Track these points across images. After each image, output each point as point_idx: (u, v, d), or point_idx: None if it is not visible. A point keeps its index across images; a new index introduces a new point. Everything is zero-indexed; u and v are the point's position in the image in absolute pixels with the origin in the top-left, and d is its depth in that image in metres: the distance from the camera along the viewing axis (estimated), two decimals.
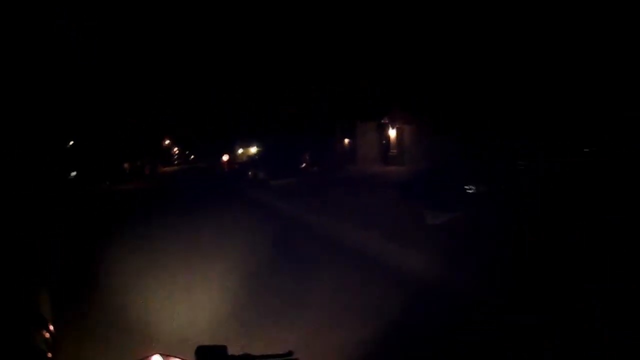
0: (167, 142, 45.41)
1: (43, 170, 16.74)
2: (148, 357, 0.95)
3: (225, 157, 32.30)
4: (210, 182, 23.45)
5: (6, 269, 3.50)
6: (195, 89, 32.77)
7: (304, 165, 23.76)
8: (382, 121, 20.30)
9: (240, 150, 36.29)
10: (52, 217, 6.43)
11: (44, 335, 1.08)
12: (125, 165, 28.71)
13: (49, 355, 1.08)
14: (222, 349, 0.96)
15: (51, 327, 1.14)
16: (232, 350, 0.96)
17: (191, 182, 24.11)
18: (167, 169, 40.82)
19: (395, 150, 19.99)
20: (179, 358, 0.95)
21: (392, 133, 20.29)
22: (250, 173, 24.33)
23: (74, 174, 21.19)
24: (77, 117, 20.31)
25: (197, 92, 33.32)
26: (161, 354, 0.96)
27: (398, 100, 17.88)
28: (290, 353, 0.98)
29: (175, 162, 47.27)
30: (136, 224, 7.54)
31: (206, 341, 0.99)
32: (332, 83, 21.98)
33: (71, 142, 22.13)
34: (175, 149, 49.89)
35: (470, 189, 6.97)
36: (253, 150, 34.21)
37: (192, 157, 50.25)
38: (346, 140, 24.48)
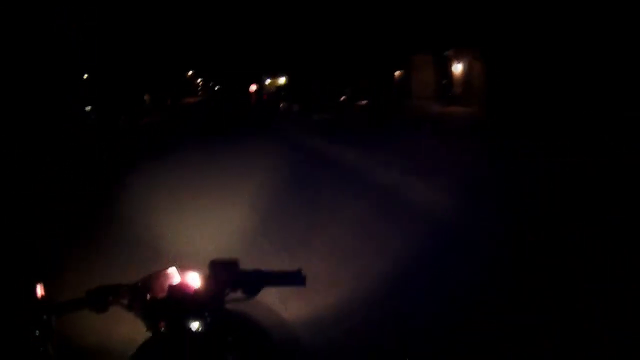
0: (190, 72, 47.83)
1: (58, 106, 18.70)
2: (164, 269, 1.15)
3: (253, 87, 32.98)
4: (237, 115, 24.19)
5: (4, 266, 4.17)
6: (219, 13, 33.18)
7: (343, 98, 24.24)
8: (445, 54, 19.96)
9: (267, 81, 36.74)
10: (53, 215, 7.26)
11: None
12: (146, 97, 30.61)
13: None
14: (234, 262, 1.13)
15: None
16: (244, 265, 1.14)
17: (215, 114, 25.06)
18: (191, 99, 42.99)
19: (459, 89, 19.38)
20: (195, 270, 1.15)
21: (456, 69, 19.76)
22: (281, 105, 25.30)
23: (88, 108, 22.87)
24: (91, 48, 22.81)
25: (221, 18, 33.87)
26: (177, 266, 1.16)
27: (466, 30, 17.46)
28: (298, 272, 1.16)
29: (199, 92, 50.03)
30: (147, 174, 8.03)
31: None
32: (383, 3, 21.11)
33: (85, 75, 23.90)
34: (199, 79, 52.48)
35: None
36: (282, 80, 34.62)
37: (217, 87, 52.85)
38: (397, 73, 24.62)
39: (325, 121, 18.38)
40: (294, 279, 1.16)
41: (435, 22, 18.47)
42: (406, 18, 19.94)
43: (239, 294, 1.14)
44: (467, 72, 18.95)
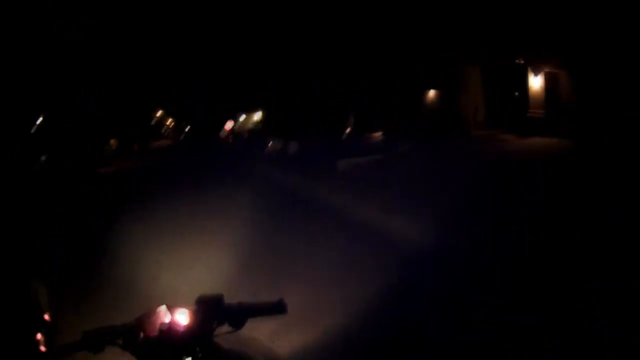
0: (158, 113, 56.70)
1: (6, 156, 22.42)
2: (155, 307, 1.64)
3: (228, 125, 35.14)
4: (214, 159, 24.37)
5: (3, 267, 5.54)
6: (186, 52, 39.55)
7: (348, 130, 25.79)
8: (517, 61, 20.41)
9: (242, 117, 39.65)
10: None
11: (39, 331, 1.78)
12: (112, 141, 35.91)
13: (43, 349, 1.75)
14: (219, 297, 1.68)
15: (46, 317, 1.86)
16: (228, 299, 1.64)
17: (189, 160, 26.41)
18: (161, 142, 48.62)
19: (541, 111, 20.07)
20: (184, 307, 1.65)
21: (534, 82, 20.47)
22: (269, 144, 26.00)
23: (43, 157, 26.97)
24: (45, 90, 27.23)
25: (187, 56, 40.10)
26: (167, 305, 1.67)
27: (545, 28, 17.82)
28: (280, 301, 1.72)
29: (169, 134, 58.55)
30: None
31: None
32: None
33: (39, 120, 28.26)
34: (169, 120, 62.08)
35: None
36: (257, 116, 37.09)
37: (188, 128, 61.34)
38: (431, 93, 24.66)
39: (374, 177, 13.94)
40: (276, 308, 1.72)
41: (493, 11, 18.84)
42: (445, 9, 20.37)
43: (226, 327, 1.68)
44: (549, 86, 19.72)
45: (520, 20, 18.22)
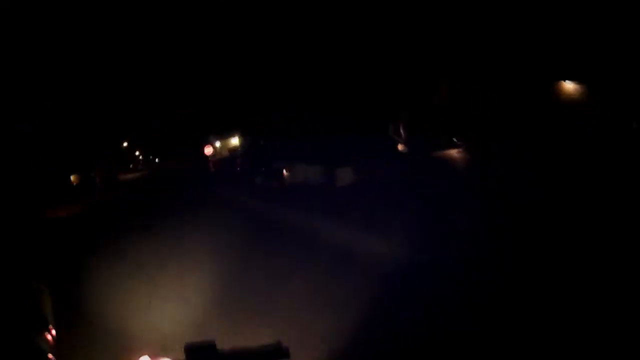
0: (125, 144, 56.55)
1: None
2: (136, 358, 1.53)
3: (208, 150, 33.61)
4: (198, 200, 19.92)
5: (7, 270, 5.77)
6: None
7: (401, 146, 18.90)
8: None
9: (217, 144, 39.11)
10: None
11: (45, 337, 1.72)
12: (72, 177, 34.87)
13: (50, 356, 1.68)
14: (211, 343, 1.56)
15: (53, 331, 1.78)
16: (220, 343, 1.53)
17: (163, 198, 22.84)
18: (128, 176, 47.25)
19: None
20: (168, 357, 1.55)
21: None
22: (285, 173, 20.03)
23: None
24: None
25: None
26: (149, 355, 1.56)
27: None
28: (278, 343, 1.61)
29: (138, 167, 58.39)
30: None
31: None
32: None
33: None
34: (137, 152, 62.08)
35: None
36: (235, 141, 36.52)
37: (157, 160, 62.88)
38: (568, 86, 15.22)
39: None
40: (277, 353, 1.60)
41: None
42: None
43: None
44: None
45: None
